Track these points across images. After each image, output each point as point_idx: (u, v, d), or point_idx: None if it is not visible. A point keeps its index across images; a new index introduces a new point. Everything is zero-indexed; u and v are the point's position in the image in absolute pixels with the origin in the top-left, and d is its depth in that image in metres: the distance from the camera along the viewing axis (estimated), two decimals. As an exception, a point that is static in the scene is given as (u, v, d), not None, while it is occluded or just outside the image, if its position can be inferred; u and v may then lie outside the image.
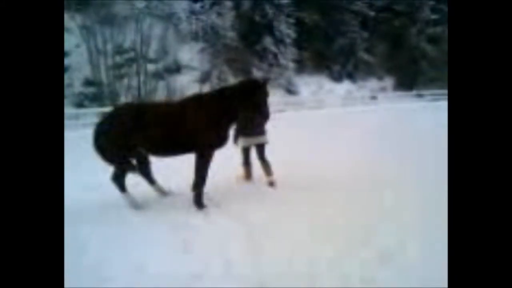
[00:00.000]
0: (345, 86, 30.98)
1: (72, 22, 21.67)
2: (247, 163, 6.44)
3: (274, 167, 6.12)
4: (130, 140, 4.98)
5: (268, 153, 6.16)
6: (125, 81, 21.11)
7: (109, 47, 20.40)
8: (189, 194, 5.55)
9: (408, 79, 32.43)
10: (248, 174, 6.52)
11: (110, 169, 5.86)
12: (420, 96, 29.77)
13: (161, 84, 22.15)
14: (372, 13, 32.31)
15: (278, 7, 27.25)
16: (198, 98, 5.29)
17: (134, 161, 5.44)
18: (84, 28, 20.64)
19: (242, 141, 6.17)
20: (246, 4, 27.27)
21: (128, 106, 6.03)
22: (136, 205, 5.32)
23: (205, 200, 5.40)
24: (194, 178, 5.21)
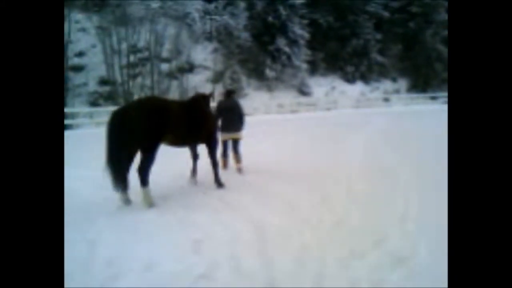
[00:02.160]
0: (358, 87, 30.78)
1: (88, 22, 22.06)
2: (224, 154, 7.52)
3: (284, 167, 6.18)
4: (163, 132, 5.28)
5: (281, 152, 6.20)
6: (139, 80, 21.37)
7: (124, 47, 20.67)
8: (196, 193, 5.78)
9: (422, 81, 32.05)
10: (225, 163, 7.52)
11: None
12: (434, 98, 29.43)
13: (174, 84, 22.35)
14: (387, 14, 32.06)
15: (292, 8, 27.24)
16: (201, 99, 6.37)
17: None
18: (100, 28, 20.97)
19: (221, 136, 7.23)
20: (260, 5, 27.32)
21: (156, 99, 5.95)
22: (151, 203, 5.22)
23: (207, 195, 5.73)
24: (212, 162, 6.28)
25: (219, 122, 7.25)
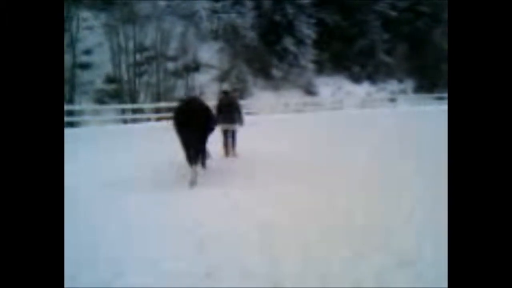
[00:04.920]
0: (365, 87, 30.62)
1: (96, 20, 22.16)
2: (225, 144, 8.92)
3: (288, 166, 6.64)
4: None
5: (286, 152, 7.07)
6: (145, 78, 21.42)
7: (131, 45, 20.73)
8: (202, 193, 5.86)
9: (429, 82, 31.78)
10: (227, 152, 8.92)
11: (126, 165, 5.95)
12: (440, 99, 29.14)
13: (180, 83, 22.36)
14: (394, 14, 31.84)
15: (299, 7, 27.13)
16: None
17: None
18: (107, 26, 21.05)
19: (221, 127, 8.68)
20: (267, 4, 27.24)
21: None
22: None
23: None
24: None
25: (220, 116, 8.58)
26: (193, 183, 6.41)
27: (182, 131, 6.58)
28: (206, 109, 7.13)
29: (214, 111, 8.04)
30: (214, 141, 8.24)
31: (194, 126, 6.57)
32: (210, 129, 7.34)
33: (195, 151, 6.78)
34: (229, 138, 8.91)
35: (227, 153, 8.94)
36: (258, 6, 27.30)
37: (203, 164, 7.04)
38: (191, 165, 6.64)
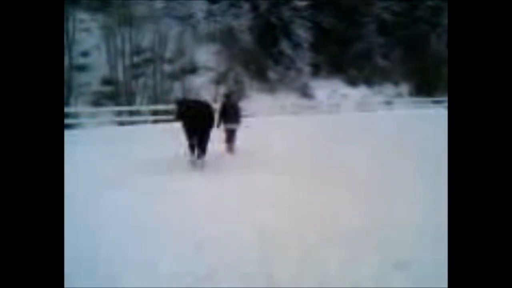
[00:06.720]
0: (361, 90, 30.67)
1: (93, 22, 22.13)
2: (227, 141, 9.70)
3: (288, 167, 6.94)
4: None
5: (286, 153, 7.81)
6: (142, 80, 21.39)
7: (127, 47, 20.71)
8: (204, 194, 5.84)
9: (427, 85, 31.84)
10: (229, 149, 9.70)
11: (125, 167, 5.94)
12: (437, 102, 29.20)
13: (177, 85, 22.34)
14: (391, 18, 31.97)
15: (295, 10, 27.20)
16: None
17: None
18: (104, 28, 21.03)
19: (223, 126, 9.53)
20: (263, 7, 27.28)
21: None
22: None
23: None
24: (202, 149, 8.24)
25: (223, 117, 9.44)
26: (193, 164, 7.82)
27: (189, 127, 7.67)
28: (210, 109, 8.51)
29: (216, 112, 9.23)
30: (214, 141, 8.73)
31: (200, 123, 7.77)
32: (211, 126, 8.34)
33: (197, 143, 7.89)
34: (231, 137, 9.71)
35: (228, 149, 9.72)
36: (254, 9, 27.35)
37: (203, 154, 8.12)
38: (192, 153, 7.92)
